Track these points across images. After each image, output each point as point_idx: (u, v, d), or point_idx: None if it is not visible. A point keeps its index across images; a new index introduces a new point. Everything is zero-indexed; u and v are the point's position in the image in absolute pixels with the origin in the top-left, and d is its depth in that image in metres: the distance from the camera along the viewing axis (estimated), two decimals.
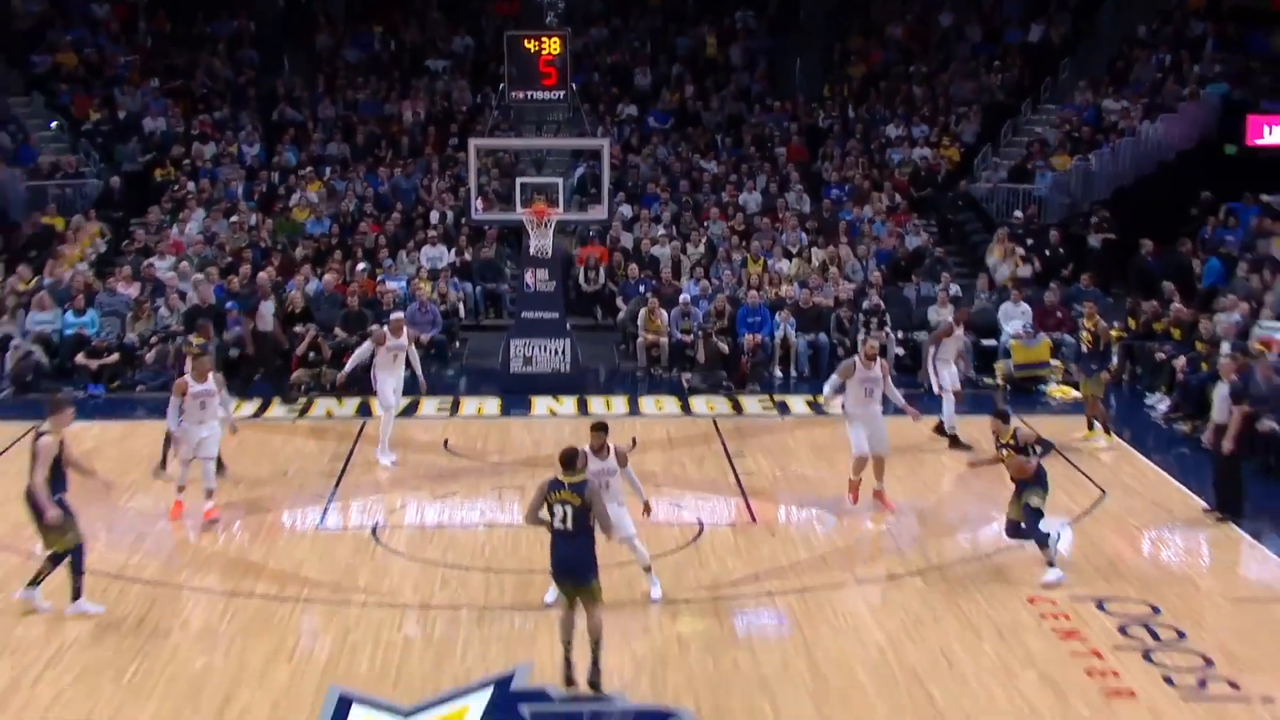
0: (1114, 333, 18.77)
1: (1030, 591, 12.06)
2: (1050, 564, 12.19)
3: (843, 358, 20.69)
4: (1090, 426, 17.17)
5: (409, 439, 16.95)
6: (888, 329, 20.85)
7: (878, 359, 14.17)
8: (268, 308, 19.85)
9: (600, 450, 11.51)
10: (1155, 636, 11.20)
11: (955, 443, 16.58)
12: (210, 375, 13.98)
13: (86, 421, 18.01)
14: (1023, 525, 12.39)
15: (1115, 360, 18.72)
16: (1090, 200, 25.40)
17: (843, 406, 14.28)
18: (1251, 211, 23.32)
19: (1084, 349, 17.61)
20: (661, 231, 24.33)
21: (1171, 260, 22.79)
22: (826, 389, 14.40)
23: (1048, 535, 12.31)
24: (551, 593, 11.54)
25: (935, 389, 16.82)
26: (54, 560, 11.47)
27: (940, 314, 20.64)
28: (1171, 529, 14.00)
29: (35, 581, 11.55)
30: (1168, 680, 10.37)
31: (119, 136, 27.18)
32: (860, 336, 20.75)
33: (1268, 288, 20.13)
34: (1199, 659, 10.76)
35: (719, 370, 20.19)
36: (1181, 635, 11.22)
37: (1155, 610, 11.71)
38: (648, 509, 11.95)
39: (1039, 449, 12.49)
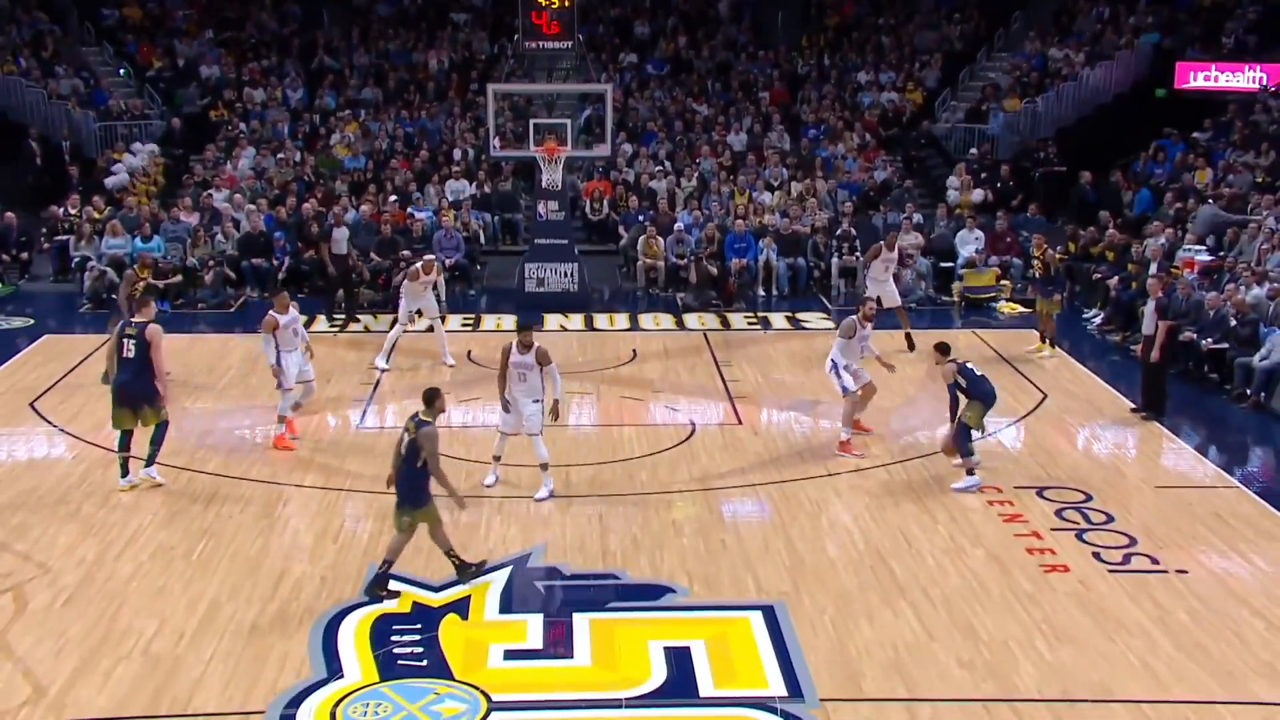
0: (1057, 257, 18.56)
1: (980, 481, 12.11)
2: (969, 472, 11.94)
3: (818, 279, 20.80)
4: (1043, 340, 16.94)
5: (437, 350, 16.91)
6: (857, 254, 20.73)
7: (872, 319, 13.30)
8: (341, 234, 19.50)
9: (525, 348, 11.61)
10: (1087, 519, 11.28)
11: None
12: (290, 306, 13.32)
13: None
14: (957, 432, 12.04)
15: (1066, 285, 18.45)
16: (1037, 138, 25.17)
17: (835, 362, 13.04)
18: (1177, 148, 23.11)
19: (1037, 275, 17.25)
20: (658, 167, 24.06)
21: (1106, 191, 22.63)
22: (841, 357, 12.91)
23: (971, 449, 11.94)
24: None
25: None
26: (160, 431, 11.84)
27: (905, 239, 20.52)
28: (1103, 426, 14.05)
29: (149, 461, 11.88)
30: (1097, 556, 10.46)
31: (179, 82, 26.80)
32: (834, 260, 20.67)
33: (1190, 215, 20.00)
34: (1124, 538, 10.85)
35: (709, 290, 20.10)
36: (1110, 518, 11.30)
37: (1088, 497, 11.78)
38: (555, 411, 11.78)
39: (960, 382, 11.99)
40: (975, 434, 12.12)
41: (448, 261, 20.57)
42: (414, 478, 9.67)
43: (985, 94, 26.43)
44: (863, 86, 27.44)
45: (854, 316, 13.16)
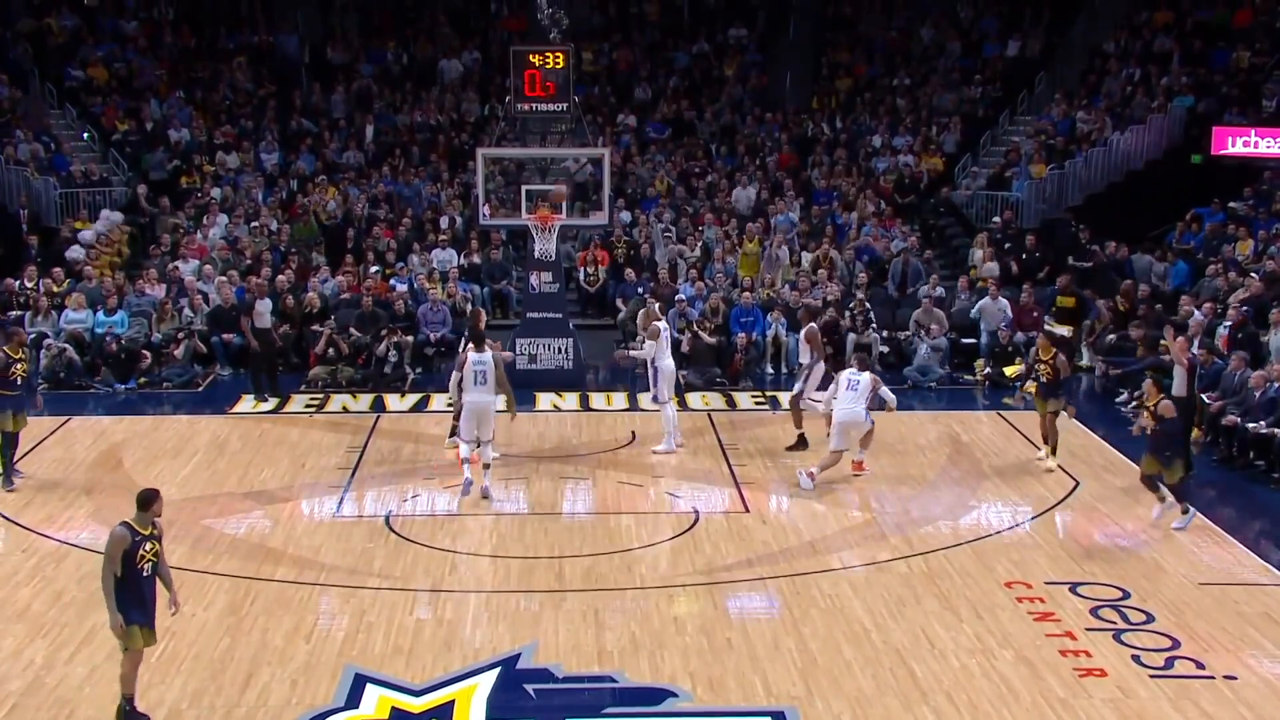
0: (1066, 362, 16.56)
1: (1007, 576, 12.10)
2: (1183, 511, 13.47)
3: (831, 355, 20.85)
4: (1047, 442, 15.83)
5: (420, 432, 16.96)
6: (873, 326, 20.86)
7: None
8: (264, 305, 19.66)
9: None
10: (1125, 619, 11.22)
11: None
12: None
13: (115, 416, 18.10)
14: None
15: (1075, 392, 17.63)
16: (1064, 206, 25.42)
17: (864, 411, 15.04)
18: (1215, 218, 23.31)
19: (1043, 379, 15.72)
20: (666, 232, 24.28)
21: (1125, 264, 22.68)
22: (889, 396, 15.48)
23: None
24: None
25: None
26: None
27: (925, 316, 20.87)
28: (1140, 516, 13.97)
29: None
30: (1137, 660, 10.39)
31: (146, 146, 27.17)
32: (850, 338, 20.79)
33: (1232, 289, 20.11)
34: (1166, 640, 10.78)
35: (713, 367, 20.17)
36: (1150, 617, 11.23)
37: (1125, 594, 11.73)
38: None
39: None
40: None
41: (433, 337, 20.73)
42: (132, 587, 9.18)
43: (1009, 159, 26.76)
44: (877, 151, 27.80)
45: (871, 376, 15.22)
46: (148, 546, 9.20)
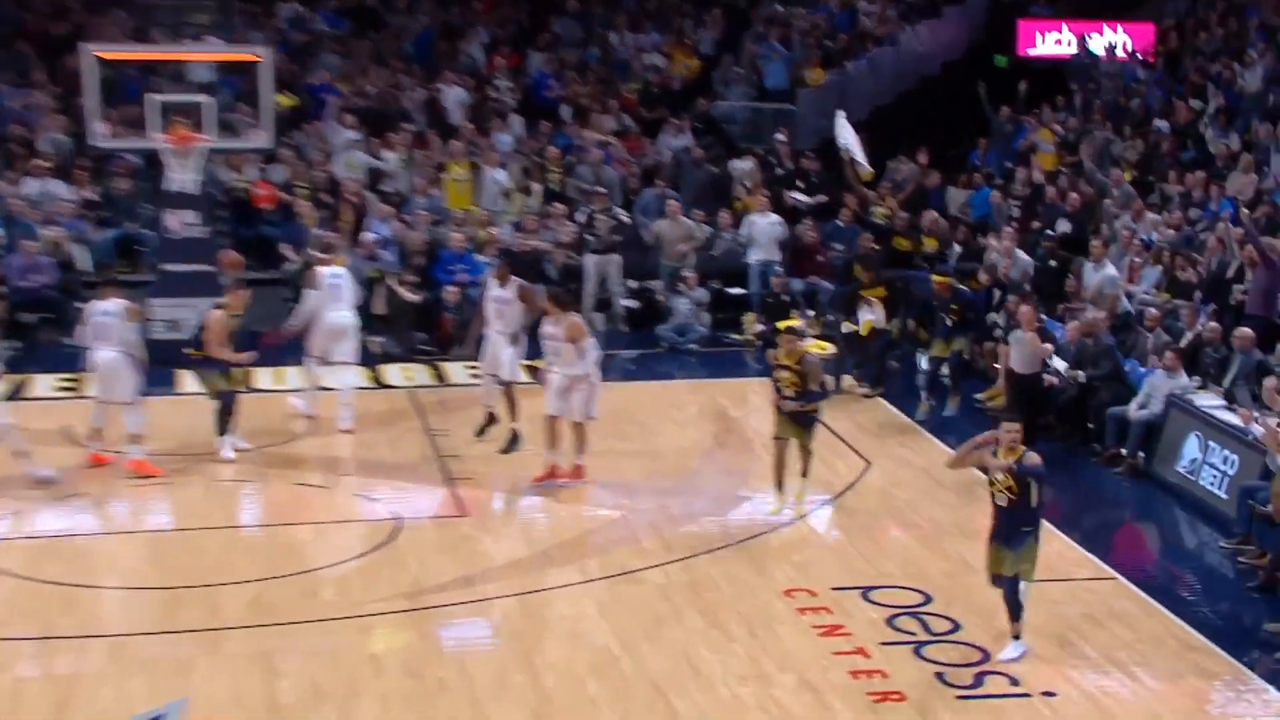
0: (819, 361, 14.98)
1: (786, 583, 12.47)
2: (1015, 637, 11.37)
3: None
4: (780, 486, 14.30)
5: (22, 426, 16.15)
6: (617, 221, 21.59)
7: None
8: None
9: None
10: (927, 628, 11.71)
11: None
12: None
13: None
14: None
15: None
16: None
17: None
18: (1023, 131, 24.28)
19: (786, 393, 14.00)
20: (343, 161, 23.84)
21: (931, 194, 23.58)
22: None
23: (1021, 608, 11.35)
24: None
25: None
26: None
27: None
28: (943, 503, 14.61)
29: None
30: (940, 678, 10.86)
31: None
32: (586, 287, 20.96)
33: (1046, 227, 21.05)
34: (975, 652, 11.30)
35: (415, 331, 19.99)
36: (955, 626, 11.75)
37: (927, 598, 12.25)
38: None
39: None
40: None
41: None
42: None
43: (765, 33, 27.10)
44: (616, 52, 27.92)
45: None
46: None
